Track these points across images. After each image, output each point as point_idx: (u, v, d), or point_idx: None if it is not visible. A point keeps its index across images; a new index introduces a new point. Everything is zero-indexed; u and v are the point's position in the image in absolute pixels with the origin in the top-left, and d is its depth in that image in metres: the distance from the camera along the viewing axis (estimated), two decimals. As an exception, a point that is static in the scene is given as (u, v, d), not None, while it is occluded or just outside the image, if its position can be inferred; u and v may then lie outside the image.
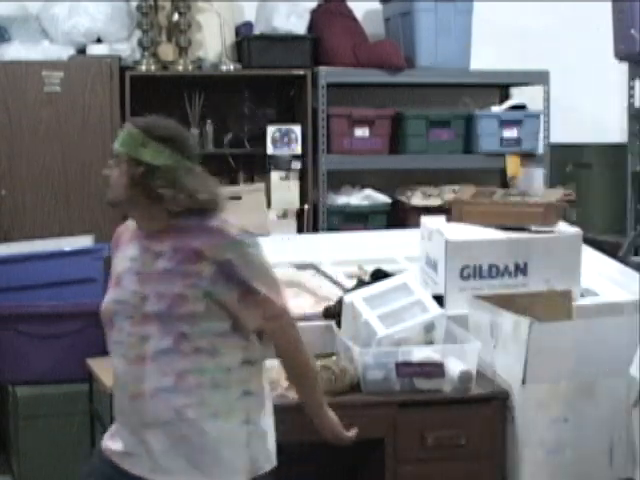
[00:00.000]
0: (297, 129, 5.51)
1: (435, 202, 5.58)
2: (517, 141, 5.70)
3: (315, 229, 5.54)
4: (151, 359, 2.64)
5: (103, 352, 4.48)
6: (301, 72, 5.51)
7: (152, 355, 2.64)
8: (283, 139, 5.50)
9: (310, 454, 3.73)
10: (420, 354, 3.31)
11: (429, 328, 3.44)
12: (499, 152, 5.70)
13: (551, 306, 3.62)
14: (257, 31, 5.66)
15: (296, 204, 5.52)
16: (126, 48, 5.51)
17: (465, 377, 3.29)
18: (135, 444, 2.67)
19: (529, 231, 3.84)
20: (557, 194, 4.06)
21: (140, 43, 5.46)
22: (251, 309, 2.67)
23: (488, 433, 3.31)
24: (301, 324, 3.65)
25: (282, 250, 4.45)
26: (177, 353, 2.63)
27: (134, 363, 2.66)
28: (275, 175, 5.50)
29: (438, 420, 3.28)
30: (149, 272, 2.67)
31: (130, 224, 2.80)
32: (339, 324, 3.56)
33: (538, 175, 5.94)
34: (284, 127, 5.52)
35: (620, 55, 5.56)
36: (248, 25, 5.74)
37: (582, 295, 3.89)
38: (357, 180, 5.83)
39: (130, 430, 2.68)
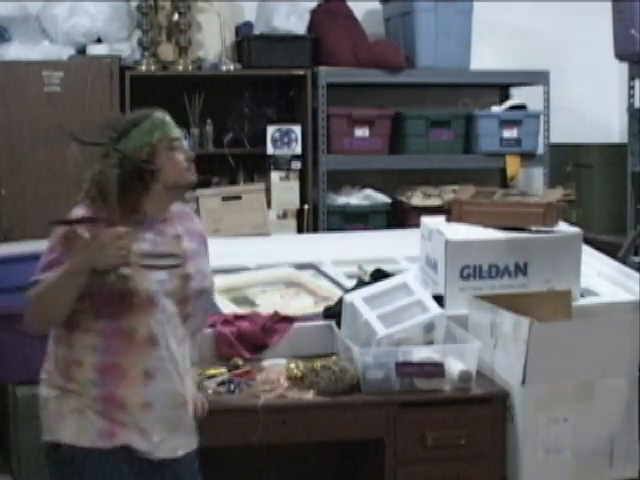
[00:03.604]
0: (297, 129, 5.51)
1: (435, 202, 5.58)
2: (517, 141, 5.70)
3: (315, 229, 5.53)
4: (189, 337, 2.77)
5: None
6: (301, 72, 5.50)
7: (190, 333, 2.77)
8: (283, 139, 5.49)
9: (310, 454, 3.74)
10: (420, 354, 3.31)
11: (429, 328, 3.44)
12: (499, 152, 5.69)
13: (551, 306, 3.62)
14: (257, 31, 5.66)
15: (296, 204, 5.52)
16: (126, 48, 5.51)
17: (465, 377, 3.30)
18: (173, 426, 2.69)
19: (529, 231, 3.84)
20: (557, 194, 4.05)
21: (140, 43, 5.46)
22: None
23: (488, 433, 3.30)
24: (301, 324, 3.68)
25: (282, 250, 4.45)
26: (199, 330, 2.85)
27: (181, 342, 2.73)
28: (275, 175, 5.49)
29: (438, 420, 3.28)
30: (184, 252, 2.74)
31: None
32: (339, 324, 3.56)
33: (538, 175, 5.94)
34: (284, 127, 5.52)
35: (620, 55, 5.56)
36: (248, 25, 5.74)
37: (582, 295, 3.89)
38: (357, 180, 5.83)
39: (167, 414, 2.68)
